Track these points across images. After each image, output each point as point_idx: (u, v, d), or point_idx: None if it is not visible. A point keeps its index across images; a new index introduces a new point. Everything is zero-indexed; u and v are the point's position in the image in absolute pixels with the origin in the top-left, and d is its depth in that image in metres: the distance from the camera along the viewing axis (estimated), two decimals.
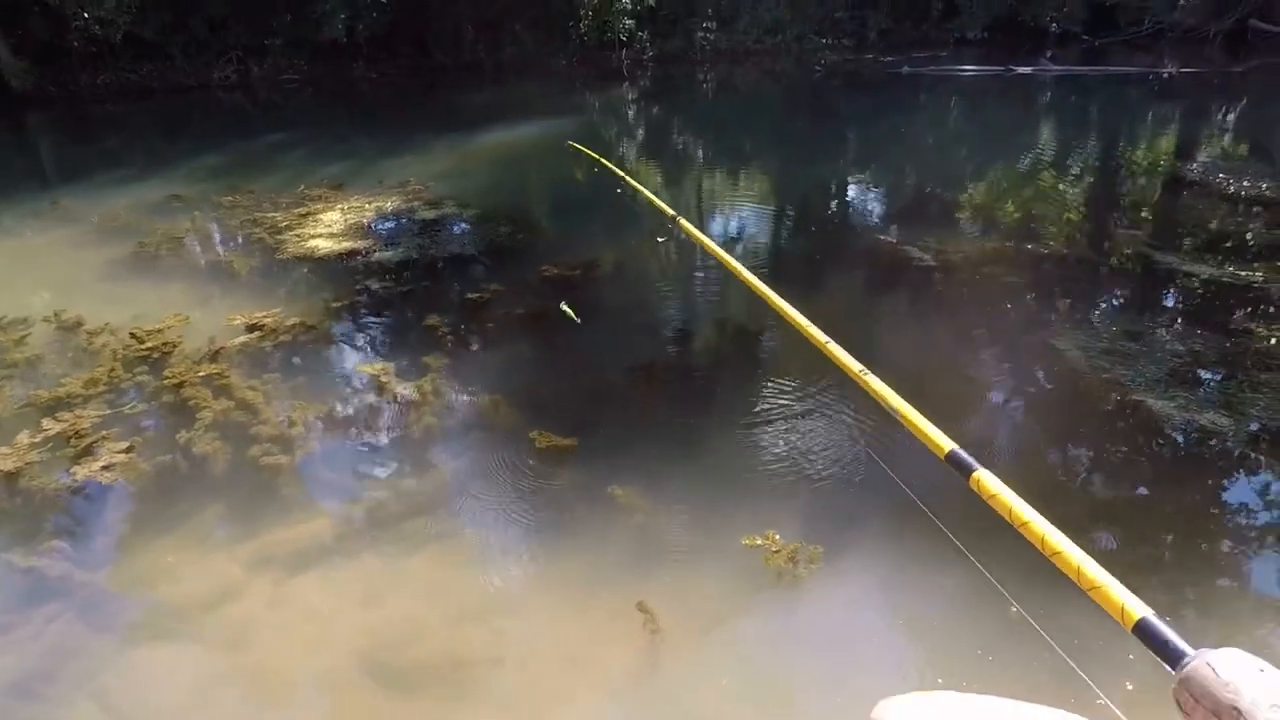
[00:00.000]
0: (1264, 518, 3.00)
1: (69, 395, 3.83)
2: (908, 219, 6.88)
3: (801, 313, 1.39)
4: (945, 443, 0.67)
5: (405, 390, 3.81)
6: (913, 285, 5.20)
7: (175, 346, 4.29)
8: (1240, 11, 15.87)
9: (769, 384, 3.91)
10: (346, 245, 5.89)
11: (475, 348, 4.40)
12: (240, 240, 6.25)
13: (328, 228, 6.28)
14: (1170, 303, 4.90)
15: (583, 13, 15.47)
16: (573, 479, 3.15)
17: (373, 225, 6.36)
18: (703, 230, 6.79)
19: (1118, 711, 0.80)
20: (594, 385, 3.88)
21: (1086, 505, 3.07)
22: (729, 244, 6.37)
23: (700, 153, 10.36)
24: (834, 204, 7.67)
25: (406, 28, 15.08)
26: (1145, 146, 10.06)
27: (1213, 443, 3.34)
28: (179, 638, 2.67)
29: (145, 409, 3.77)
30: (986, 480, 0.56)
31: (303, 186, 7.40)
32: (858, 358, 1.07)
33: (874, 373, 1.23)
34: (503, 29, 15.47)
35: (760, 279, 2.01)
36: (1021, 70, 14.21)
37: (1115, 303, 4.90)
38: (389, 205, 6.81)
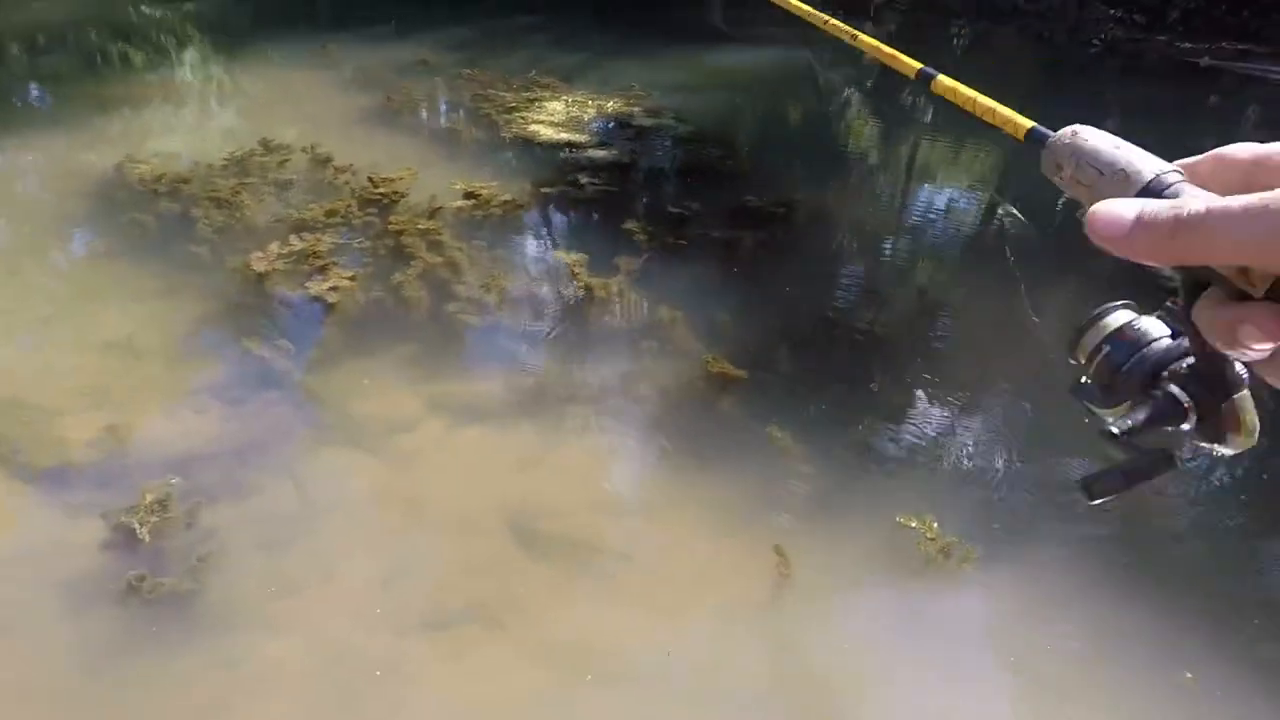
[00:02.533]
0: None
1: (312, 219, 4.31)
2: None
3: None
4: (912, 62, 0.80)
5: (594, 284, 3.93)
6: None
7: (402, 197, 4.67)
8: None
9: (961, 368, 3.65)
10: (564, 136, 6.07)
11: (666, 260, 4.43)
12: (470, 112, 6.62)
13: (550, 116, 6.49)
14: None
15: None
16: (735, 409, 3.15)
17: (591, 122, 6.49)
18: (904, 204, 6.29)
19: None
20: (775, 325, 3.81)
21: None
22: (927, 220, 5.89)
23: (926, 118, 9.57)
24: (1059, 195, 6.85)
25: None
26: None
27: None
28: (361, 449, 3.01)
29: (370, 246, 4.17)
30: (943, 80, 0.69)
31: (534, 72, 7.65)
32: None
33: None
34: None
35: None
36: None
37: None
38: (610, 106, 6.90)
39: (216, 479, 2.74)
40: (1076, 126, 0.49)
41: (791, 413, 3.11)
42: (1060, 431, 3.16)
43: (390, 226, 4.30)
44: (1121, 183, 0.42)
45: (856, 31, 1.08)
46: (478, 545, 2.67)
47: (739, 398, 3.20)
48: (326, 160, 5.15)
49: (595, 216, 4.91)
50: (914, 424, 3.18)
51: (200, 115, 7.14)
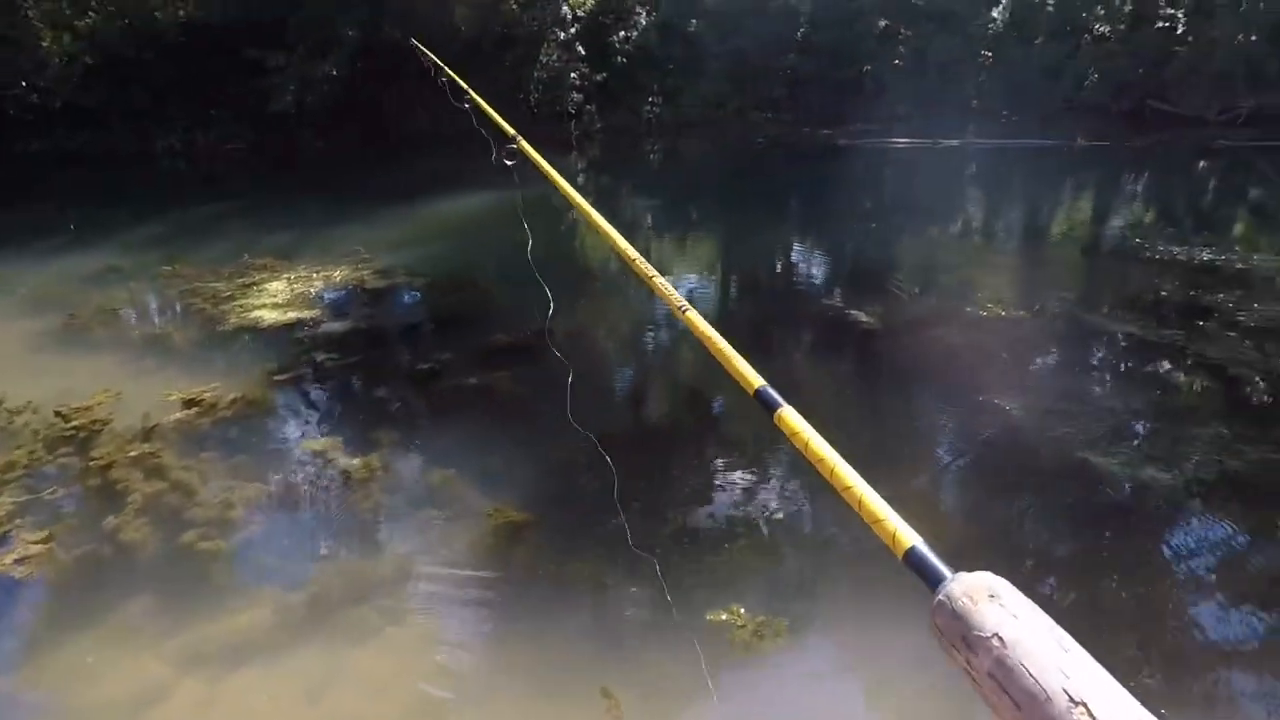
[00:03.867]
0: (1204, 564, 3.08)
1: None
2: (850, 283, 7.11)
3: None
4: (755, 379, 0.78)
5: (353, 467, 3.67)
6: (860, 347, 5.33)
7: (105, 425, 4.06)
8: (1138, 93, 17.35)
9: (729, 454, 3.90)
10: (292, 316, 5.75)
11: (426, 421, 4.29)
12: (179, 311, 6.05)
13: (273, 298, 6.14)
14: (1102, 361, 5.13)
15: (531, 87, 15.92)
16: (530, 557, 3.05)
17: (320, 295, 6.24)
18: (649, 305, 6.84)
19: None
20: (549, 458, 3.80)
21: (1031, 556, 3.12)
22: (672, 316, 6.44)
23: (649, 219, 10.59)
24: (779, 269, 7.89)
25: (357, 98, 15.22)
26: (1065, 213, 10.73)
27: (1152, 495, 3.45)
28: None
29: (67, 494, 3.53)
30: (789, 417, 0.66)
31: (247, 256, 7.25)
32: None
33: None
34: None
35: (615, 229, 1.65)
36: (949, 143, 15.11)
37: (1050, 361, 5.11)
38: (337, 275, 6.71)
39: None
40: (991, 581, 0.29)
41: (585, 541, 3.09)
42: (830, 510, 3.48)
43: (93, 463, 3.70)
44: None
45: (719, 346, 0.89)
46: None
47: (531, 543, 3.12)
48: None
49: (342, 393, 4.65)
50: (700, 521, 3.31)
51: None
